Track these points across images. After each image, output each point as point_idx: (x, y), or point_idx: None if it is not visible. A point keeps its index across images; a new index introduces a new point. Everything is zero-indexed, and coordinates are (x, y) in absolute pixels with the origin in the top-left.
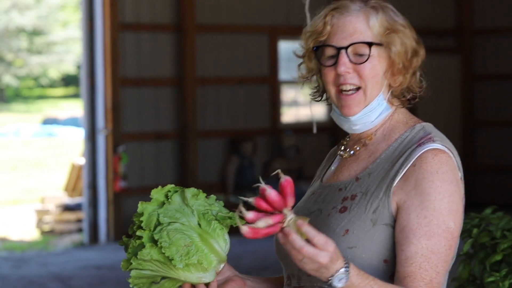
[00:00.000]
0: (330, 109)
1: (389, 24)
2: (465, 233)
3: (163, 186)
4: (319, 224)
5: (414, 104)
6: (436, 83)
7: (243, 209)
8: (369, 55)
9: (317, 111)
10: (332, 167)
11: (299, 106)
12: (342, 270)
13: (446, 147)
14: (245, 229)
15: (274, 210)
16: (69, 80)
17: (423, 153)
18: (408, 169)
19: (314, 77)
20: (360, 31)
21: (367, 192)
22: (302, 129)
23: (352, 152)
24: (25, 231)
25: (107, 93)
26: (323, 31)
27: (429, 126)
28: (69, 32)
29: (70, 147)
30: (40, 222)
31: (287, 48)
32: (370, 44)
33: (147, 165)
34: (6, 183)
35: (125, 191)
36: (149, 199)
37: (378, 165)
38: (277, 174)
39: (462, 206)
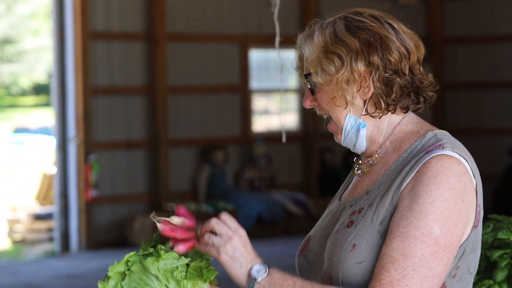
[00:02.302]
0: (301, 118)
1: (323, 45)
2: None
3: (134, 195)
4: (329, 242)
5: (422, 107)
6: None
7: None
8: (311, 87)
9: (288, 120)
10: (349, 187)
11: (270, 115)
12: (258, 263)
13: (457, 153)
14: (160, 226)
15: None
16: (40, 89)
17: (429, 159)
18: (412, 176)
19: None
20: (305, 63)
21: (373, 203)
22: (273, 137)
23: (360, 172)
24: None
25: (78, 102)
26: (300, 66)
27: (441, 133)
28: (40, 41)
29: (41, 156)
30: (11, 231)
31: (258, 56)
32: (306, 76)
33: (119, 174)
34: None
35: (96, 200)
36: (121, 208)
37: (388, 176)
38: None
39: (461, 216)
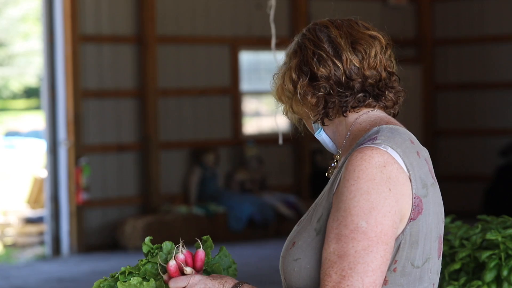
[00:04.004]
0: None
1: (283, 62)
2: None
3: (125, 198)
4: (285, 243)
5: (392, 108)
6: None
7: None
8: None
9: (281, 122)
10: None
11: (261, 117)
12: (229, 284)
13: (388, 145)
14: (173, 263)
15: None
16: (30, 93)
17: (352, 152)
18: (343, 172)
19: None
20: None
21: (317, 203)
22: (264, 139)
23: (328, 174)
24: None
25: (68, 105)
26: None
27: (386, 128)
28: (31, 44)
29: (32, 159)
30: (2, 235)
31: (248, 58)
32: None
33: (110, 177)
34: None
35: (87, 203)
36: (112, 211)
37: (335, 175)
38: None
39: (389, 205)
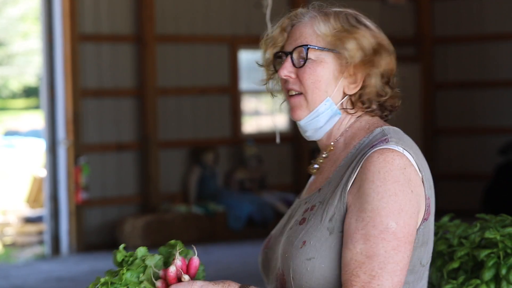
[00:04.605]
0: (291, 119)
1: (340, 28)
2: None
3: (124, 197)
4: (283, 240)
5: (386, 116)
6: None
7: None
8: (305, 59)
9: (279, 121)
10: (308, 184)
11: (260, 116)
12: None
13: (401, 147)
14: (173, 269)
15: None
16: (30, 92)
17: (371, 153)
18: (357, 172)
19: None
20: (305, 36)
21: (324, 201)
22: (263, 138)
23: (316, 165)
24: None
25: (67, 104)
26: (279, 38)
27: (389, 129)
28: (30, 43)
29: (32, 159)
30: (1, 235)
31: (247, 57)
32: (306, 48)
33: (109, 176)
34: None
35: (86, 202)
36: (111, 211)
37: (337, 173)
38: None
39: (413, 206)
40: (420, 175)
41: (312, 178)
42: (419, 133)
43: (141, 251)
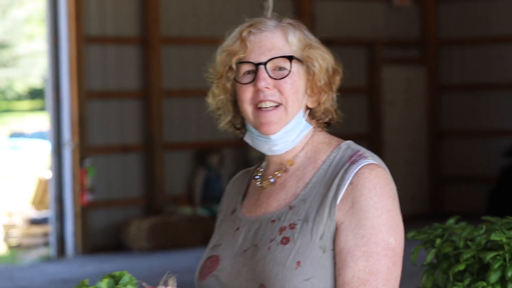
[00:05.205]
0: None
1: (306, 41)
2: (428, 243)
3: (130, 199)
4: (261, 261)
5: (329, 129)
6: (403, 94)
7: None
8: (290, 70)
9: None
10: (250, 199)
11: None
12: None
13: (378, 161)
14: None
15: None
16: (35, 94)
17: (359, 169)
18: (346, 188)
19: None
20: (279, 47)
21: (308, 218)
22: None
23: (273, 180)
24: None
25: (73, 106)
26: (240, 48)
27: (353, 144)
28: (35, 45)
29: (37, 160)
30: (7, 236)
31: None
32: (290, 58)
33: (114, 178)
34: None
35: (92, 204)
36: (116, 212)
37: (311, 190)
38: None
39: (401, 221)
40: (395, 189)
41: (254, 192)
42: (424, 135)
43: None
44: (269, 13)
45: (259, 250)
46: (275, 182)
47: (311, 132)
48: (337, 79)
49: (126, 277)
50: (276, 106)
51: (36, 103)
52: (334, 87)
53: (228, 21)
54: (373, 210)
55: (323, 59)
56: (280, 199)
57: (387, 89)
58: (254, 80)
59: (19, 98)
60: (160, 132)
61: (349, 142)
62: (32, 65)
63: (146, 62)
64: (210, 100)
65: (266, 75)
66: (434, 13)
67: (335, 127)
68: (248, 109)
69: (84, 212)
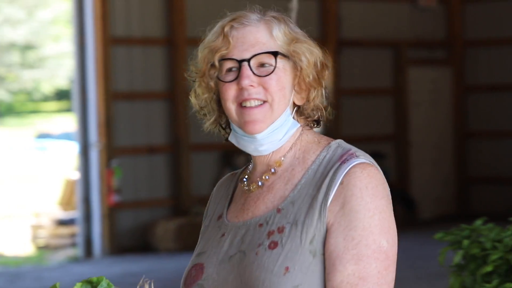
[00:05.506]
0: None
1: (292, 34)
2: (455, 245)
3: (156, 200)
4: (249, 267)
5: (318, 127)
6: (429, 94)
7: None
8: (275, 66)
9: None
10: (237, 203)
11: None
12: None
13: (370, 160)
14: None
15: None
16: (61, 95)
17: (350, 168)
18: (337, 189)
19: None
20: (263, 42)
21: (297, 221)
22: None
23: (260, 183)
24: (20, 246)
25: (99, 107)
26: (223, 44)
27: (344, 143)
28: (61, 46)
29: (64, 161)
30: (34, 237)
31: None
32: (275, 54)
33: (141, 179)
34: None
35: (119, 205)
36: (143, 213)
37: (301, 191)
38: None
39: (394, 222)
40: (388, 189)
41: (241, 196)
42: (450, 136)
43: None
44: (294, 15)
45: (246, 256)
46: (263, 185)
47: (300, 131)
48: (326, 74)
49: (104, 283)
50: (261, 104)
51: (62, 104)
52: (324, 83)
53: None
54: (365, 211)
55: (310, 53)
56: (268, 202)
57: (413, 90)
58: (237, 78)
59: (45, 99)
60: (187, 133)
61: (339, 141)
62: (59, 66)
63: (172, 63)
64: (192, 100)
65: (250, 73)
66: (460, 14)
67: (361, 129)
68: (231, 107)
69: (111, 213)
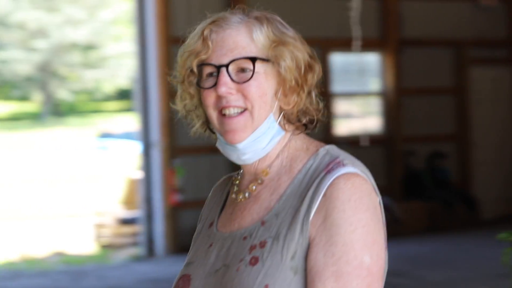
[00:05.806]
0: (384, 121)
1: (276, 36)
2: None
3: None
4: (229, 283)
5: (313, 130)
6: (489, 94)
7: None
8: (253, 72)
9: (371, 124)
10: (226, 212)
11: (352, 118)
12: None
13: (360, 169)
14: None
15: None
16: (123, 94)
17: (334, 180)
18: (320, 201)
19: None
20: (242, 46)
21: (279, 236)
22: (355, 141)
23: (247, 194)
24: (83, 244)
25: (161, 107)
26: (202, 48)
27: (334, 149)
28: (122, 46)
29: (125, 161)
30: (97, 236)
31: (339, 60)
32: (253, 60)
33: (203, 179)
34: (63, 197)
35: (181, 204)
36: None
37: (285, 202)
38: None
39: (382, 235)
40: (378, 198)
41: (231, 204)
42: (511, 136)
43: None
44: (356, 13)
45: (229, 271)
46: (250, 195)
47: (287, 137)
48: (311, 77)
49: None
50: (241, 112)
51: (124, 103)
52: (308, 86)
53: (314, 21)
54: (346, 225)
55: (292, 57)
56: (254, 213)
57: (474, 89)
58: (215, 85)
59: (107, 99)
60: None
61: (328, 147)
62: (120, 66)
63: None
64: (178, 104)
65: (228, 79)
66: None
67: (422, 128)
68: (213, 114)
69: (173, 212)
